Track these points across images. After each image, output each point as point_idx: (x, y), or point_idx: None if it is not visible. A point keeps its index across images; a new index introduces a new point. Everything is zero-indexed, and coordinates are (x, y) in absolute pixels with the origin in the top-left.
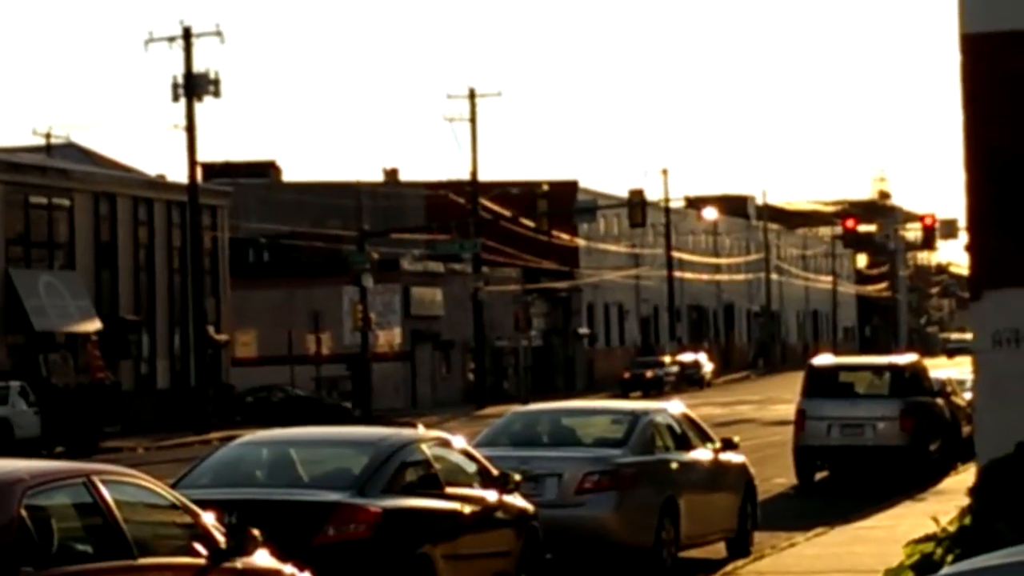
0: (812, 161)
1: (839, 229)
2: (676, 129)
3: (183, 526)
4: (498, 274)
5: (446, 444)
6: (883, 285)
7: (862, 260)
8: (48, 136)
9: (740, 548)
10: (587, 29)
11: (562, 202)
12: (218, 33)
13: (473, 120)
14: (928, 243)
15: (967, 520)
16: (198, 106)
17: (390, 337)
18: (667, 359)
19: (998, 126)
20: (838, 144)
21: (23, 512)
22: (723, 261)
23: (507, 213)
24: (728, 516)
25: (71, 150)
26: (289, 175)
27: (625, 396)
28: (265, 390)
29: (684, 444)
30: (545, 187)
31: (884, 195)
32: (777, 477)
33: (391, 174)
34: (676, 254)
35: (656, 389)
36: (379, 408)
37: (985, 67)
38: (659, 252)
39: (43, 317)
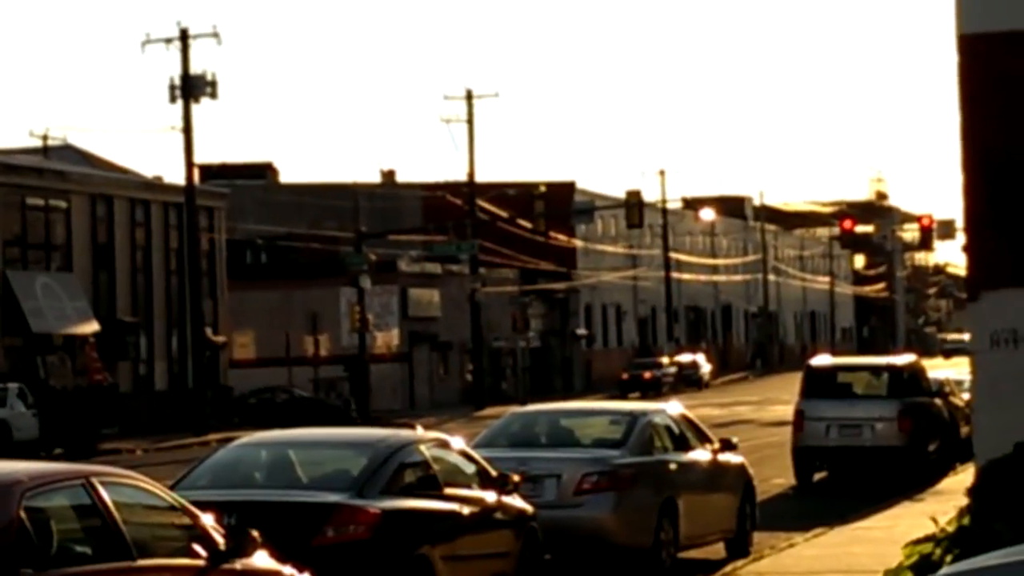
0: (809, 162)
1: (836, 230)
2: (673, 130)
3: (182, 527)
4: (495, 275)
5: (445, 445)
6: (881, 286)
7: (860, 261)
8: (45, 138)
9: (739, 549)
10: (584, 30)
11: (559, 203)
12: (215, 34)
13: (470, 121)
14: (925, 244)
15: (965, 520)
16: (195, 107)
17: (388, 338)
18: (665, 360)
19: (995, 127)
20: (835, 145)
21: (22, 514)
22: (720, 262)
23: (504, 214)
24: (727, 517)
25: (68, 152)
26: (286, 176)
27: (623, 397)
28: (268, 391)
29: (683, 445)
30: (542, 188)
31: (881, 196)
32: (776, 478)
33: (388, 175)
34: (673, 255)
35: (654, 390)
36: (377, 409)
37: (982, 68)
38: (656, 253)
39: (40, 319)
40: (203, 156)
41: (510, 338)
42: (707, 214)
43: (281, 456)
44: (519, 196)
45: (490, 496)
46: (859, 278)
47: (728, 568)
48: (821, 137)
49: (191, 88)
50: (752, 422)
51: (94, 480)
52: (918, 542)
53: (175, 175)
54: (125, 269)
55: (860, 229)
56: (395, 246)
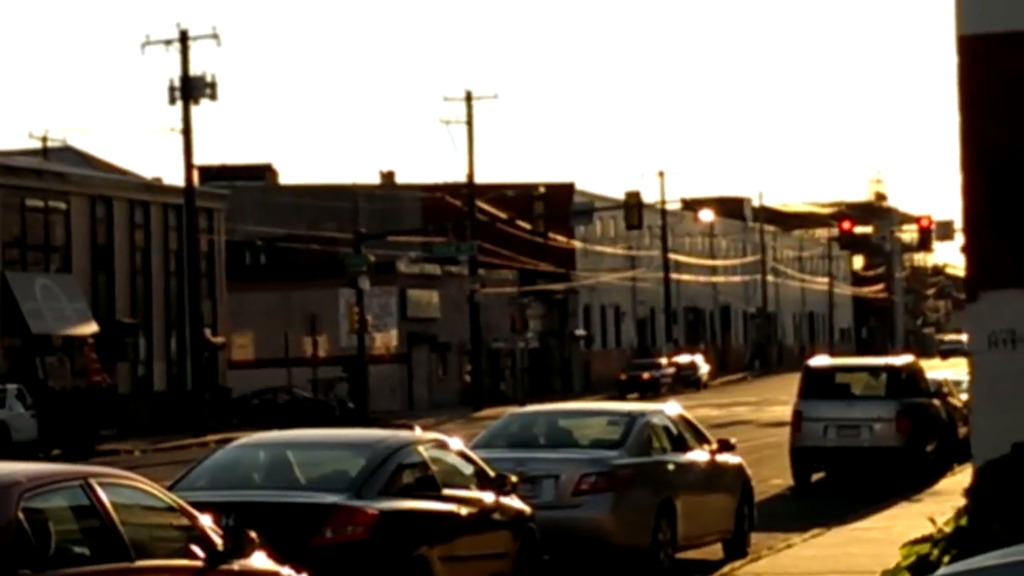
0: (808, 163)
1: (835, 231)
2: (672, 131)
3: (180, 528)
4: (494, 276)
5: (443, 446)
6: (879, 287)
7: (858, 262)
8: (44, 139)
9: (737, 549)
10: (583, 31)
11: (558, 204)
12: (214, 36)
13: (469, 122)
14: (924, 244)
15: (963, 521)
16: (194, 109)
17: (387, 339)
18: (663, 361)
19: (995, 127)
20: (834, 146)
21: (20, 515)
22: (719, 263)
23: (503, 215)
24: (725, 517)
25: (67, 153)
26: (285, 178)
27: (622, 398)
28: (270, 392)
29: (681, 445)
30: (541, 189)
31: (880, 197)
32: (774, 478)
33: (387, 176)
34: (672, 256)
35: (653, 391)
36: (376, 410)
37: (982, 68)
38: (655, 254)
39: (40, 320)
40: (202, 157)
41: (509, 339)
42: (706, 215)
43: (279, 457)
44: (518, 197)
45: (488, 497)
46: (858, 279)
47: (726, 569)
48: (820, 138)
49: (191, 89)
50: (750, 423)
51: (92, 481)
52: (916, 543)
53: (174, 176)
54: (124, 270)
55: (859, 230)
56: (394, 247)
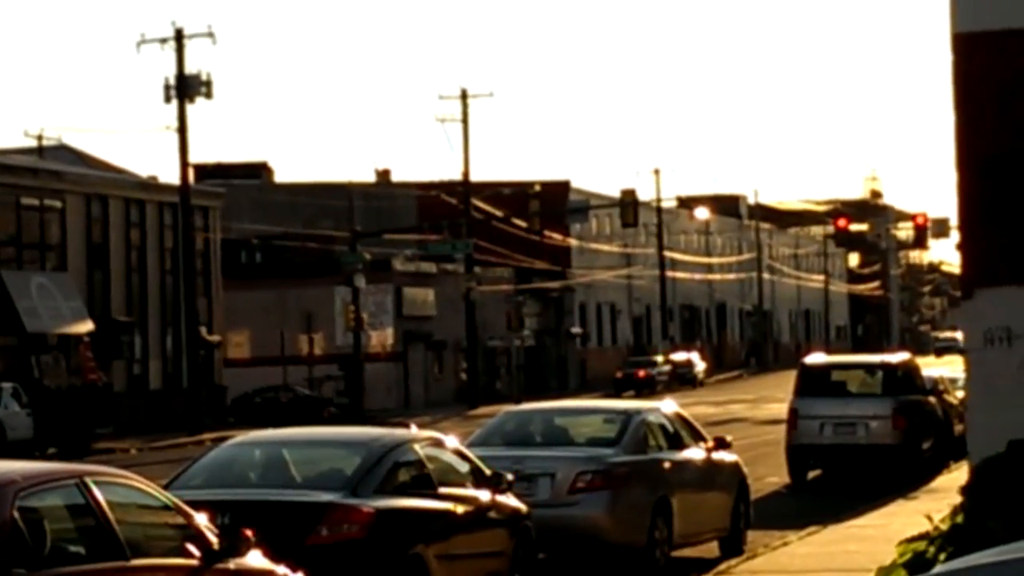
0: (804, 160)
1: (831, 228)
2: (668, 129)
3: (176, 527)
4: (490, 274)
5: (439, 444)
6: (875, 284)
7: (854, 259)
8: (40, 138)
9: (733, 547)
10: (578, 29)
11: (554, 202)
12: (210, 34)
13: (465, 120)
14: (920, 242)
15: (959, 518)
16: (190, 107)
17: (382, 337)
18: (659, 358)
19: (990, 125)
20: (830, 143)
21: (16, 514)
22: (715, 260)
23: (499, 213)
24: (721, 515)
25: (63, 152)
26: (281, 176)
27: (618, 395)
28: (272, 390)
29: (677, 443)
30: (537, 187)
31: (876, 194)
32: (770, 476)
33: (383, 175)
34: (668, 254)
35: (649, 388)
36: (372, 408)
37: (976, 66)
38: (651, 252)
39: (35, 318)
40: (198, 156)
41: (505, 337)
42: (702, 213)
43: (275, 455)
44: (514, 195)
45: (484, 495)
46: (853, 276)
47: (722, 567)
48: (815, 135)
49: (186, 88)
50: (746, 420)
51: (88, 480)
52: (912, 540)
53: (170, 175)
54: (120, 269)
55: (854, 227)
56: (390, 245)
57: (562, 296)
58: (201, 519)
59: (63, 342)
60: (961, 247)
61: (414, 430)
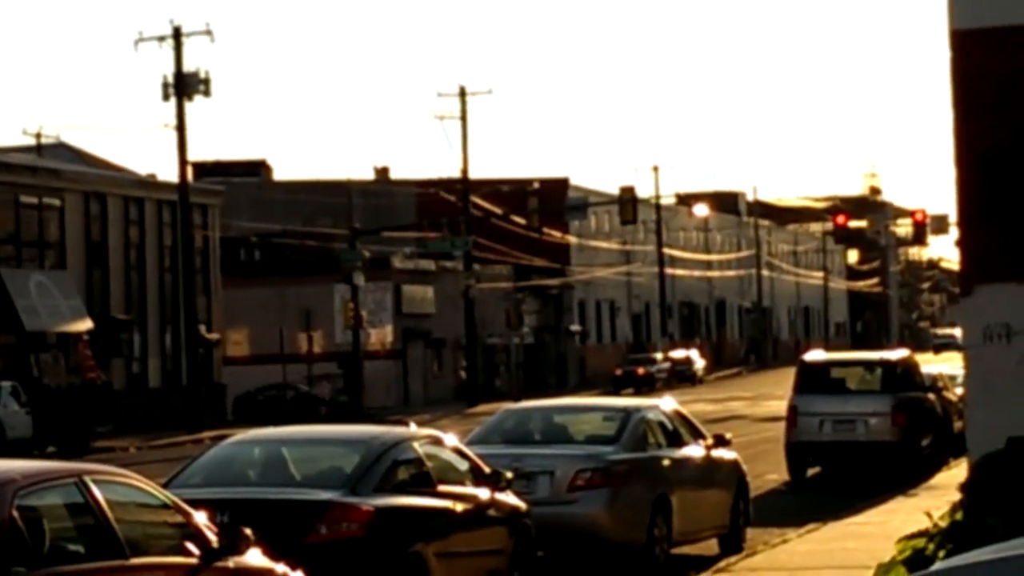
0: (803, 157)
1: (830, 225)
2: (667, 126)
3: (175, 525)
4: (489, 272)
5: (438, 442)
6: (874, 281)
7: (853, 256)
8: (38, 136)
9: (732, 544)
10: (577, 27)
11: (553, 199)
12: (208, 32)
13: (464, 118)
14: (919, 239)
15: (959, 515)
16: (188, 105)
17: (382, 335)
18: (659, 356)
19: (988, 121)
20: (829, 140)
21: (15, 512)
22: (714, 258)
23: (498, 211)
24: (720, 512)
25: (61, 150)
26: (280, 174)
27: (617, 393)
28: (276, 388)
29: (676, 441)
30: (536, 184)
31: (875, 191)
32: (769, 473)
33: (382, 172)
34: (667, 251)
35: (648, 386)
36: (371, 406)
37: (974, 62)
38: (650, 249)
39: (34, 317)
40: (197, 154)
41: (504, 334)
42: (700, 210)
43: (274, 454)
44: (513, 193)
45: (483, 493)
46: (852, 273)
47: (721, 564)
48: (814, 132)
49: (184, 86)
50: (746, 418)
51: (87, 478)
52: (911, 537)
53: (169, 173)
54: (119, 267)
55: (853, 224)
56: (389, 243)
57: (561, 293)
58: (200, 517)
59: (62, 340)
60: (960, 243)
61: (413, 428)
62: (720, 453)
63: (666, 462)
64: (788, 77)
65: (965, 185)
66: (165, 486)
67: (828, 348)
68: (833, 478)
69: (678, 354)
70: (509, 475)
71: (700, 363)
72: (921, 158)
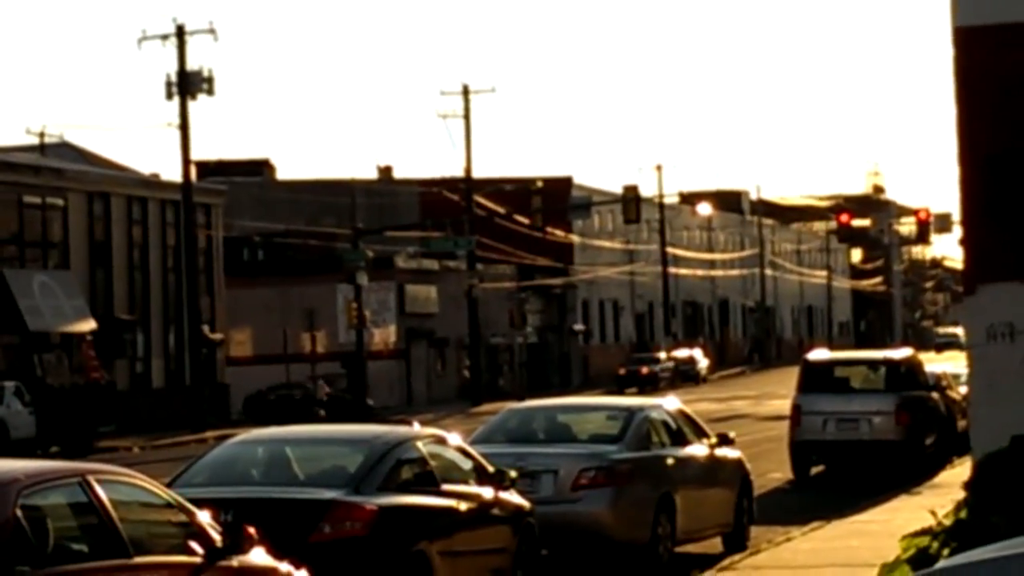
0: (806, 156)
1: (833, 224)
2: (670, 125)
3: (179, 525)
4: (493, 271)
5: (442, 441)
6: (878, 280)
7: (856, 255)
8: (42, 135)
9: (736, 543)
10: (581, 25)
11: (556, 199)
12: (211, 31)
13: (467, 117)
14: (922, 237)
15: (963, 514)
16: (192, 104)
17: (385, 335)
18: (662, 355)
19: (992, 119)
20: (832, 139)
21: (19, 512)
22: (717, 257)
23: (501, 210)
24: (724, 511)
25: (65, 149)
26: (283, 173)
27: (620, 392)
28: (286, 387)
29: (680, 440)
30: (539, 184)
31: (878, 189)
32: (773, 472)
33: (385, 171)
34: (670, 250)
35: (651, 385)
36: (374, 406)
37: (978, 60)
38: (653, 248)
39: (38, 317)
40: (200, 153)
41: (507, 334)
42: (704, 209)
43: (278, 453)
44: (516, 192)
45: (487, 492)
46: (856, 272)
47: (725, 562)
48: (818, 131)
49: (188, 85)
50: (749, 416)
51: (91, 478)
52: (915, 535)
53: (172, 172)
54: (122, 267)
55: (857, 223)
56: (392, 242)
57: (564, 293)
58: (204, 517)
59: (65, 340)
60: (963, 242)
61: (417, 427)
62: (724, 452)
63: (670, 461)
64: (791, 76)
65: (969, 183)
66: (169, 485)
67: (832, 347)
68: (837, 477)
69: (681, 353)
70: (513, 474)
71: (704, 362)
72: (924, 156)
